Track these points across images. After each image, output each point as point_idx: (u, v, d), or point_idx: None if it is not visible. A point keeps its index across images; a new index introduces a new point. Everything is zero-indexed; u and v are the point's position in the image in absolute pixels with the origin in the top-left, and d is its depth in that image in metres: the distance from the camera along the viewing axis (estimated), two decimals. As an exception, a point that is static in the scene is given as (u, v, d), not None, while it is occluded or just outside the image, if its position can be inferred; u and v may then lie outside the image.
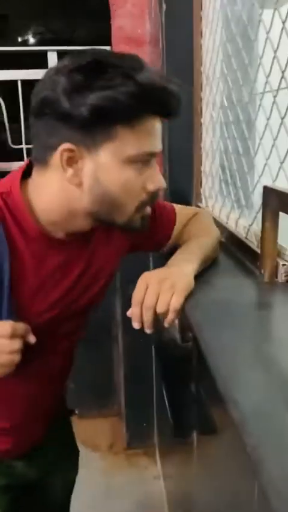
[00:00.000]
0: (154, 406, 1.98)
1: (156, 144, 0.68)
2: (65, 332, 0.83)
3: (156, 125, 0.67)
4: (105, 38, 1.70)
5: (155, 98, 0.63)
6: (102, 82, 0.60)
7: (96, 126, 0.62)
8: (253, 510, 0.63)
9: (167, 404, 1.09)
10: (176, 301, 0.70)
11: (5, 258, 0.67)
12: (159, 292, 0.70)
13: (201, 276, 0.82)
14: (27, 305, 0.73)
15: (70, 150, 0.63)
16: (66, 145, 0.63)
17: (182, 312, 0.74)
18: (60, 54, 1.89)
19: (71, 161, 0.64)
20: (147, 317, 0.71)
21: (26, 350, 0.68)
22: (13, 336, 0.65)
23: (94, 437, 2.12)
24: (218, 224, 1.13)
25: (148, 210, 0.72)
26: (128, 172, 0.66)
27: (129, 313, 0.74)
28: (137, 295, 0.72)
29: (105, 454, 2.06)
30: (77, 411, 2.43)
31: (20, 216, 0.69)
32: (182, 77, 1.36)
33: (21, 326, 0.66)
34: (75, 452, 1.09)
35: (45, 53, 1.86)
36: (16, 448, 0.88)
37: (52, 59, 1.83)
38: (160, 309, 0.70)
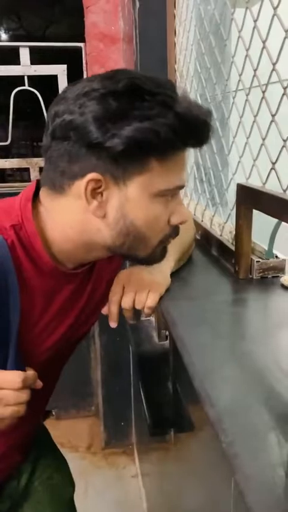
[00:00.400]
0: (132, 405, 1.98)
1: (184, 176, 0.64)
2: (60, 359, 0.80)
3: (186, 157, 0.63)
4: (79, 35, 1.69)
5: (194, 131, 0.59)
6: (140, 111, 0.55)
7: (129, 158, 0.57)
8: (230, 506, 0.63)
9: (144, 402, 1.08)
10: (152, 300, 0.71)
11: (16, 302, 0.61)
12: (136, 291, 0.71)
13: (177, 273, 0.83)
14: (33, 346, 0.68)
15: (96, 181, 0.58)
16: (93, 175, 0.58)
17: (158, 310, 0.74)
18: (33, 51, 1.86)
19: (95, 192, 0.59)
20: (126, 314, 0.73)
21: None
22: (22, 387, 0.59)
23: (72, 438, 2.10)
24: (194, 222, 1.13)
25: (170, 241, 0.69)
26: (156, 206, 0.61)
27: (105, 311, 0.73)
28: (114, 295, 0.72)
29: (84, 454, 2.05)
30: (54, 413, 2.41)
31: (34, 251, 0.63)
32: (157, 75, 1.37)
33: (31, 375, 0.61)
34: (62, 463, 1.02)
35: (17, 49, 1.83)
36: None
37: (24, 55, 1.80)
38: (138, 307, 0.71)
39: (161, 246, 0.68)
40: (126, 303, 0.71)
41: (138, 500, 1.78)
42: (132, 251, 0.65)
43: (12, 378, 0.59)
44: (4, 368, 0.62)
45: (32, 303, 0.65)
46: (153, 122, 0.55)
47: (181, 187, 0.64)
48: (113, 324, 0.74)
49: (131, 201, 0.60)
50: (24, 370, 0.62)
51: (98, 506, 1.76)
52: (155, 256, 0.69)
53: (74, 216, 0.62)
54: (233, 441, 0.41)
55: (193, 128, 0.59)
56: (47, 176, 0.63)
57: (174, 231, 0.67)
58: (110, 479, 1.91)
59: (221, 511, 0.71)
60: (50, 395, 0.87)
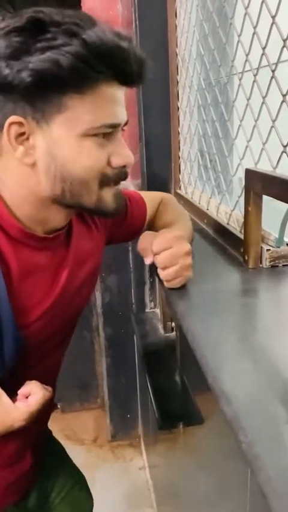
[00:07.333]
0: (138, 397, 1.96)
1: (117, 114, 0.59)
2: (60, 339, 0.78)
3: (115, 93, 0.58)
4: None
5: (108, 58, 0.54)
6: (42, 43, 0.52)
7: (42, 95, 0.54)
8: (246, 498, 0.61)
9: (151, 396, 1.06)
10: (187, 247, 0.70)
11: None
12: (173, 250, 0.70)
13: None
14: (21, 314, 0.66)
15: (18, 124, 0.56)
16: (12, 118, 0.55)
17: (163, 302, 0.72)
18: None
19: (21, 138, 0.57)
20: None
21: (25, 367, 0.65)
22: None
23: (78, 431, 2.10)
24: (199, 211, 1.11)
25: (118, 187, 0.66)
26: (87, 146, 0.58)
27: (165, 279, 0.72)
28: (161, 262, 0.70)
29: (90, 447, 2.04)
30: (59, 406, 2.41)
31: (0, 219, 0.61)
32: (157, 60, 1.33)
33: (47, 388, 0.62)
34: (80, 477, 1.01)
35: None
36: (8, 493, 0.80)
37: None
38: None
39: (108, 191, 0.64)
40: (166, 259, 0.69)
41: (146, 491, 1.77)
42: (77, 199, 0.62)
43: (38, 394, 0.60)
44: (0, 339, 0.60)
45: (10, 277, 0.63)
46: (55, 51, 0.52)
47: (113, 125, 0.59)
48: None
49: (57, 143, 0.57)
50: (20, 335, 0.62)
51: (105, 499, 1.75)
52: (106, 204, 0.65)
53: (13, 173, 0.60)
54: (253, 441, 0.39)
55: (106, 55, 0.54)
56: None
57: (119, 174, 0.64)
58: (117, 471, 1.90)
59: (236, 503, 0.69)
60: (55, 380, 0.86)
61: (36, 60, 0.52)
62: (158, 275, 0.73)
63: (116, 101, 0.59)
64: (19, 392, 0.62)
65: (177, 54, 1.25)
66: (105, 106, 0.58)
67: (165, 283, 0.72)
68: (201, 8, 1.03)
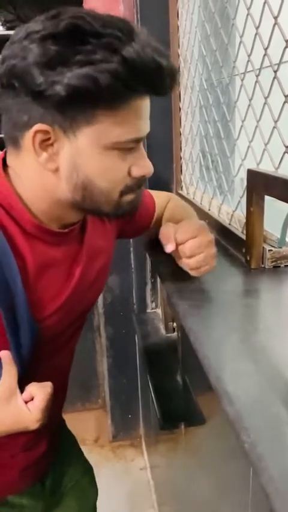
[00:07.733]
0: (139, 397, 1.96)
1: (144, 128, 0.60)
2: (72, 331, 0.79)
3: (144, 106, 0.58)
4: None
5: (145, 76, 0.53)
6: (81, 55, 0.50)
7: (73, 108, 0.54)
8: (248, 498, 0.61)
9: (152, 396, 1.06)
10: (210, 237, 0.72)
11: (11, 260, 0.59)
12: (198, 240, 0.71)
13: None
14: (36, 310, 0.66)
15: (44, 132, 0.55)
16: (39, 126, 0.54)
17: (165, 302, 0.72)
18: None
19: (45, 144, 0.56)
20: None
21: (38, 361, 0.66)
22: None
23: (79, 431, 2.08)
24: (201, 211, 1.11)
25: (137, 193, 0.66)
26: (110, 159, 0.58)
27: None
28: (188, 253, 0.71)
29: (91, 447, 2.04)
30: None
31: (14, 210, 0.61)
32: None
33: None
34: (89, 466, 1.04)
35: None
36: (23, 477, 0.82)
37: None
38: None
39: (128, 198, 0.64)
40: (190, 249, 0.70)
41: (147, 492, 1.77)
42: (96, 205, 0.63)
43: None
44: (17, 330, 0.61)
45: (26, 271, 0.63)
46: (94, 67, 0.50)
47: (138, 139, 0.60)
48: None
49: (82, 153, 0.57)
50: (36, 329, 0.63)
51: (106, 498, 1.75)
52: (123, 209, 0.65)
53: (33, 173, 0.60)
54: (256, 441, 0.39)
55: (142, 74, 0.53)
56: (5, 131, 0.60)
57: (138, 183, 0.64)
58: (118, 472, 1.90)
59: (237, 503, 0.69)
60: (67, 375, 0.87)
61: (73, 76, 0.51)
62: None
63: (144, 115, 0.59)
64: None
65: (179, 55, 1.26)
66: (134, 121, 0.58)
67: (190, 272, 0.72)
68: (203, 8, 1.04)
